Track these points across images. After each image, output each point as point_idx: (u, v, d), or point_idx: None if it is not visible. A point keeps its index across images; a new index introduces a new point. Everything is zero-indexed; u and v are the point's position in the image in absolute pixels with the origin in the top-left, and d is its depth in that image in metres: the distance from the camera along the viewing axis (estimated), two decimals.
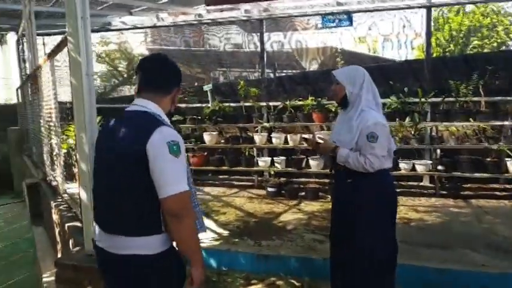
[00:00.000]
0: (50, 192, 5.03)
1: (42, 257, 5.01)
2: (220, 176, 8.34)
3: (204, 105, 8.09)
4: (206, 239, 5.01)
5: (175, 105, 2.43)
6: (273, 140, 7.63)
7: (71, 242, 3.37)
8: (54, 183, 4.91)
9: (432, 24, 8.40)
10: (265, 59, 8.24)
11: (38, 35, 8.10)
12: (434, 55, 10.75)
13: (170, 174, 2.05)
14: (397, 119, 6.88)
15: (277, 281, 4.30)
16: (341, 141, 3.24)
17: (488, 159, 6.83)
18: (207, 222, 5.73)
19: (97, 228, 2.31)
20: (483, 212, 6.10)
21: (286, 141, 7.57)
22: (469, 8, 14.27)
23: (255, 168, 7.78)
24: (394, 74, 7.63)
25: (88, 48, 2.80)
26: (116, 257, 2.18)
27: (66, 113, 4.76)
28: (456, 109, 6.95)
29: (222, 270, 4.58)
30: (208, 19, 8.72)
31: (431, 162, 7.00)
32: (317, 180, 7.63)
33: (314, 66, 12.15)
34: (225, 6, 7.83)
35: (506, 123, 6.73)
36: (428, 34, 7.47)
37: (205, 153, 8.13)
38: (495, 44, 13.44)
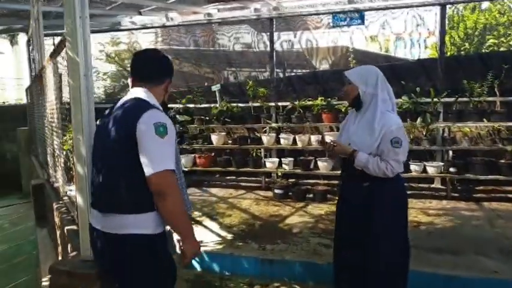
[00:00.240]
0: (53, 194, 4.99)
1: (44, 260, 4.97)
2: (228, 177, 8.26)
3: (212, 105, 8.01)
4: (209, 242, 4.94)
5: (168, 95, 2.60)
6: (281, 140, 7.53)
7: (69, 246, 3.31)
8: (56, 184, 4.87)
9: (447, 22, 8.21)
10: (274, 59, 8.13)
11: (48, 35, 8.14)
12: (449, 54, 10.53)
13: (155, 153, 2.16)
14: (408, 120, 6.73)
15: (281, 287, 4.24)
16: (359, 144, 3.12)
17: (503, 160, 6.67)
18: (212, 224, 5.66)
19: (93, 211, 2.40)
20: (496, 215, 5.93)
21: (294, 142, 7.46)
22: (485, 5, 13.99)
23: (262, 170, 7.68)
24: (406, 73, 7.53)
25: (87, 48, 2.73)
26: (112, 236, 2.26)
27: (66, 113, 4.73)
28: (470, 109, 6.78)
29: (224, 274, 4.50)
30: (217, 18, 8.63)
31: (443, 164, 6.83)
32: (325, 181, 7.50)
33: (324, 66, 11.99)
34: (230, 5, 7.76)
35: None
36: (442, 32, 7.29)
37: (213, 154, 8.04)
38: None
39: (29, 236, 6.88)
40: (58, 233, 4.11)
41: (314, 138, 7.28)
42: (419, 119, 6.75)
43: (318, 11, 7.87)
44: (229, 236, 5.18)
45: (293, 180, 7.69)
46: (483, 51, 12.17)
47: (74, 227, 3.38)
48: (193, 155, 7.97)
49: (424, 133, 6.92)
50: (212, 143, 7.93)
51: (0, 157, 11.70)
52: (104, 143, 2.34)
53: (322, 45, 11.75)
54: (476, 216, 5.91)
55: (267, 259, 4.46)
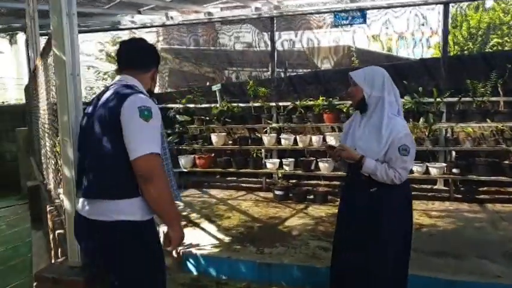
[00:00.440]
0: (47, 196, 4.92)
1: (37, 263, 4.89)
2: (228, 178, 8.18)
3: (212, 105, 7.92)
4: (206, 245, 4.85)
5: (155, 84, 2.62)
6: (282, 141, 7.44)
7: (59, 250, 3.23)
8: (48, 186, 4.80)
9: (450, 21, 8.11)
10: (275, 58, 8.05)
11: (44, 34, 8.05)
12: (452, 54, 10.41)
13: (139, 137, 2.13)
14: (410, 120, 6.63)
15: None
16: (365, 150, 3.03)
17: (506, 161, 6.57)
18: (210, 227, 5.57)
19: (80, 199, 2.36)
20: (499, 217, 5.83)
21: (295, 143, 7.37)
22: (489, 4, 13.86)
23: (262, 171, 7.59)
24: (408, 72, 7.43)
25: (74, 47, 2.64)
26: (100, 224, 2.22)
27: (55, 114, 4.66)
28: (473, 109, 6.68)
29: (221, 279, 4.41)
30: (218, 17, 8.56)
31: (445, 164, 6.73)
32: (326, 182, 7.41)
33: (326, 65, 11.90)
34: (231, 4, 7.68)
35: None
36: (445, 31, 7.19)
37: (213, 155, 7.96)
38: None
39: (26, 238, 6.78)
40: (51, 236, 4.03)
41: (315, 138, 7.19)
42: (421, 119, 6.67)
43: (319, 10, 7.77)
44: (227, 239, 5.09)
45: (294, 181, 7.60)
46: (487, 50, 12.04)
47: (63, 231, 3.29)
48: (192, 156, 7.88)
49: (426, 133, 6.83)
50: (212, 144, 7.84)
51: (0, 157, 11.66)
52: (89, 129, 2.31)
53: (324, 45, 11.68)
54: (479, 218, 5.81)
55: (264, 263, 4.36)
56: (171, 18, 8.61)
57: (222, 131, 7.99)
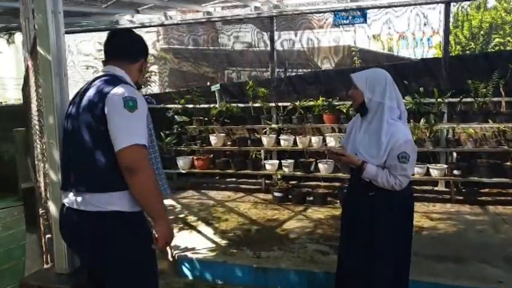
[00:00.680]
0: (40, 199, 4.84)
1: (30, 267, 4.80)
2: (227, 179, 8.10)
3: (211, 105, 7.84)
4: (202, 249, 4.77)
5: (143, 76, 2.58)
6: (282, 142, 7.35)
7: (48, 256, 3.16)
8: (40, 189, 4.72)
9: (451, 20, 8.02)
10: (275, 58, 7.97)
11: None
12: (454, 53, 10.33)
13: (124, 127, 2.08)
14: (411, 121, 6.55)
15: None
16: (365, 156, 2.98)
17: (508, 163, 6.49)
18: (206, 229, 5.49)
19: (69, 194, 2.27)
20: (501, 219, 5.73)
21: (295, 143, 7.29)
22: (491, 3, 13.77)
23: (261, 172, 7.50)
24: (409, 73, 7.38)
25: (60, 46, 2.57)
26: (89, 214, 2.16)
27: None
28: (474, 110, 6.60)
29: (217, 283, 4.33)
30: (217, 17, 8.48)
31: (446, 166, 6.65)
32: (326, 184, 7.33)
33: (326, 65, 11.82)
34: (230, 3, 7.60)
35: None
36: (447, 31, 7.11)
37: (211, 156, 7.88)
38: None
39: (21, 240, 6.71)
40: (43, 240, 3.96)
41: (315, 139, 7.12)
42: (422, 120, 6.58)
43: (319, 9, 7.68)
44: (223, 242, 5.00)
45: (294, 182, 7.52)
46: (489, 50, 11.96)
47: (50, 236, 3.21)
48: (191, 157, 7.81)
49: (427, 134, 6.74)
50: (211, 145, 7.76)
51: None
52: (74, 120, 2.26)
53: (324, 45, 11.60)
54: (480, 221, 5.71)
55: (261, 267, 4.27)
56: (170, 17, 8.55)
57: (221, 132, 7.91)
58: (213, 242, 5.02)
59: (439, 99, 6.64)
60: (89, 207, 2.15)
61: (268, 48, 8.43)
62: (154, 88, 11.97)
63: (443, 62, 7.01)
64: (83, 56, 11.78)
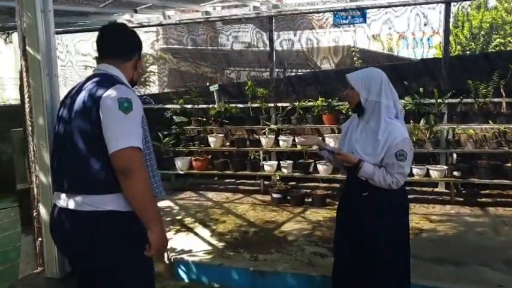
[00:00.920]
0: (34, 200, 4.77)
1: (24, 270, 4.75)
2: (226, 180, 8.05)
3: (210, 106, 7.79)
4: (198, 251, 4.72)
5: (138, 74, 2.48)
6: (280, 142, 7.29)
7: (40, 259, 3.11)
8: (33, 191, 4.65)
9: (451, 20, 7.97)
10: (274, 58, 7.92)
11: None
12: (454, 54, 10.27)
13: (118, 129, 2.04)
14: (411, 121, 6.50)
15: None
16: (362, 155, 2.96)
17: (509, 164, 6.41)
18: (203, 231, 5.43)
19: (62, 195, 2.23)
20: (501, 221, 5.68)
21: (294, 144, 7.23)
22: (492, 3, 13.72)
23: (260, 173, 7.44)
24: (409, 73, 7.35)
25: (50, 46, 2.51)
26: (84, 213, 2.13)
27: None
28: (475, 110, 6.55)
29: (213, 286, 4.27)
30: (216, 17, 8.43)
31: (446, 167, 6.60)
32: (325, 185, 7.27)
33: (326, 66, 11.76)
34: (229, 3, 7.54)
35: None
36: (447, 31, 7.06)
37: (209, 156, 7.82)
38: None
39: (17, 242, 6.60)
40: (37, 242, 3.90)
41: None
42: (422, 121, 6.52)
43: (318, 9, 7.62)
44: (220, 245, 4.94)
45: (292, 183, 7.47)
46: (489, 50, 11.91)
47: (41, 239, 3.17)
48: (189, 158, 7.75)
49: (427, 135, 6.69)
50: (209, 145, 7.71)
51: None
52: (67, 124, 2.22)
53: (323, 45, 11.54)
54: (480, 223, 5.66)
55: (258, 270, 4.22)
56: (169, 17, 8.49)
57: (219, 133, 7.85)
58: (210, 244, 4.96)
59: (439, 100, 6.58)
60: (84, 206, 2.12)
61: (268, 48, 8.38)
62: (153, 88, 11.92)
63: (444, 62, 6.96)
64: (81, 56, 11.70)
